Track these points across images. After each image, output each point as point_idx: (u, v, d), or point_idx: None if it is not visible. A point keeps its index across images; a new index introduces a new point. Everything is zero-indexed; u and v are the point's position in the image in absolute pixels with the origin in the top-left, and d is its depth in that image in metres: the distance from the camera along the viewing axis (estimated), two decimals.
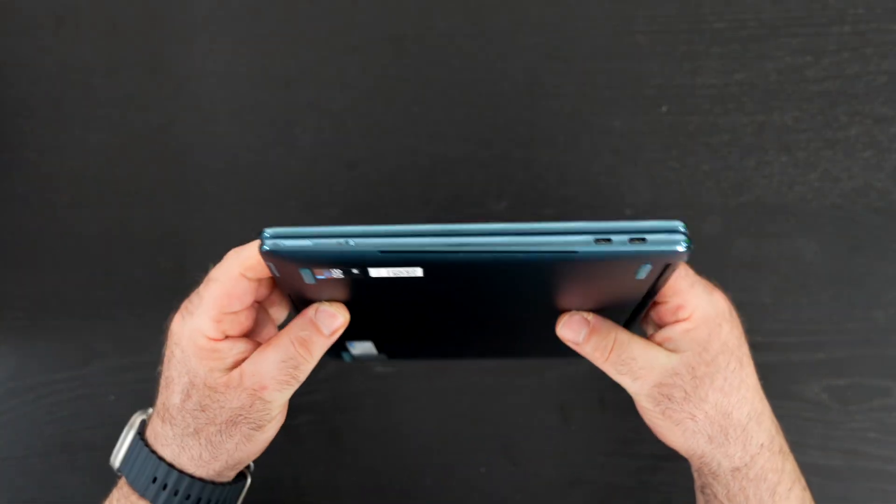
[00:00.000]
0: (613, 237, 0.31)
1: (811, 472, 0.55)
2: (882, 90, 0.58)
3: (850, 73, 0.58)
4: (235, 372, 0.38)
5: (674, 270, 0.35)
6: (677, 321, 0.38)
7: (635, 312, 0.40)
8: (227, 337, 0.38)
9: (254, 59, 0.62)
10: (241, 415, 0.38)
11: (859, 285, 0.57)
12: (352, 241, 0.32)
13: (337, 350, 0.48)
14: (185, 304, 0.39)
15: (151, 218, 0.62)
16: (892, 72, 0.58)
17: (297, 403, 0.59)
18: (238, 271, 0.37)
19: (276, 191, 0.61)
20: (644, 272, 0.34)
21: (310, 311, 0.38)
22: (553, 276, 0.34)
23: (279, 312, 0.42)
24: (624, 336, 0.38)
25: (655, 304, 0.39)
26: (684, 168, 0.59)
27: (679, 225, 0.32)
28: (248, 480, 0.44)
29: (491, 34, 0.60)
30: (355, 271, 0.34)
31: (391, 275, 0.34)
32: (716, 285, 0.40)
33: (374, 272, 0.34)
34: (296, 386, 0.39)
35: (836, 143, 0.58)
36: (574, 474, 0.58)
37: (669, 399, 0.39)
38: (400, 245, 0.32)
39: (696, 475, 0.43)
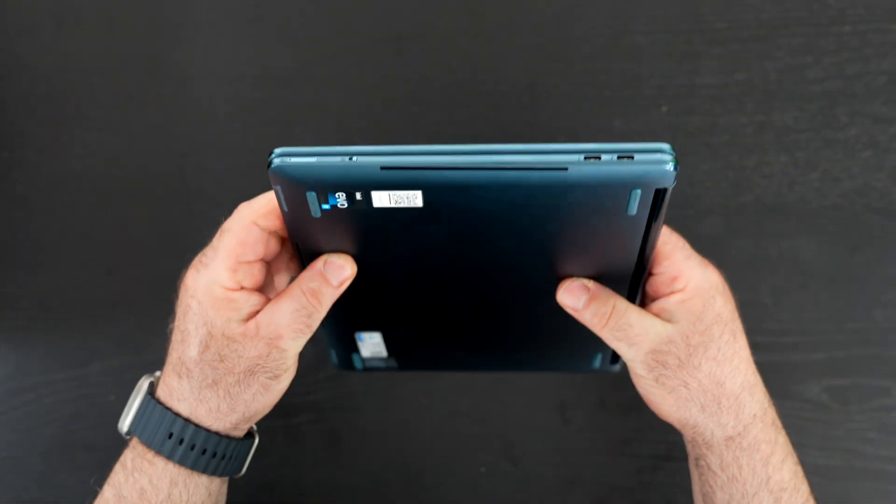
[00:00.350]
0: (603, 155, 0.32)
1: (811, 472, 0.55)
2: (882, 90, 0.58)
3: (850, 73, 0.58)
4: (251, 322, 0.39)
5: (663, 209, 0.35)
6: (672, 292, 0.40)
7: (633, 285, 0.40)
8: (241, 288, 0.39)
9: (254, 59, 0.62)
10: (258, 364, 0.39)
11: (859, 285, 0.57)
12: (354, 158, 0.34)
13: (347, 351, 0.48)
14: (199, 258, 0.40)
15: (151, 218, 0.62)
16: (892, 72, 0.58)
17: (297, 403, 0.60)
18: (250, 219, 0.38)
19: None
20: (634, 203, 0.34)
21: (318, 264, 0.39)
22: (548, 211, 0.35)
23: (282, 280, 0.43)
24: (622, 304, 0.40)
25: (651, 275, 0.40)
26: (684, 168, 0.59)
27: (665, 146, 0.33)
28: (257, 440, 0.44)
29: (491, 34, 0.60)
30: (359, 196, 0.35)
31: (393, 203, 0.35)
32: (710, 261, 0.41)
33: (377, 199, 0.35)
34: (309, 334, 0.40)
35: (836, 143, 0.58)
36: (574, 474, 0.58)
37: (664, 366, 0.39)
38: (399, 161, 0.33)
39: (689, 447, 0.44)
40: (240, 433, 0.42)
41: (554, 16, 0.60)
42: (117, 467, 0.41)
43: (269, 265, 0.42)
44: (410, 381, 0.60)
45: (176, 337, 0.41)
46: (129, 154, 0.63)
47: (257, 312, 0.40)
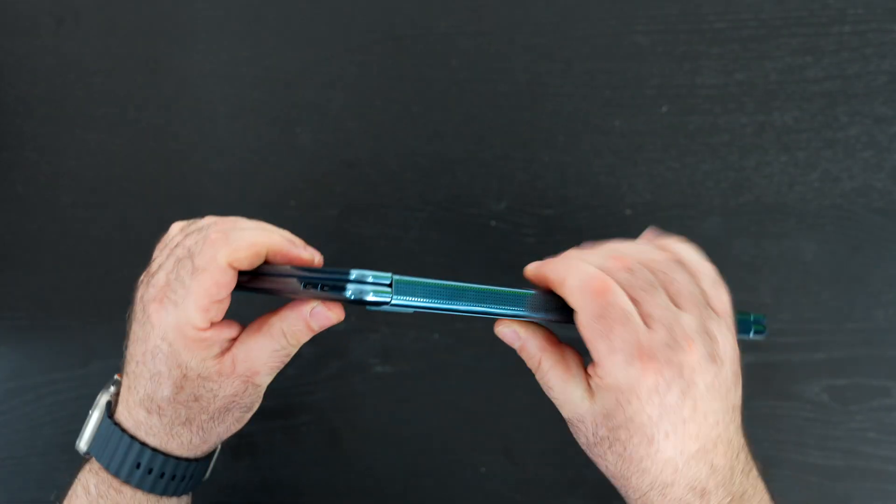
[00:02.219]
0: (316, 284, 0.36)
1: (811, 473, 0.55)
2: (882, 90, 0.58)
3: (850, 73, 0.58)
4: (227, 359, 0.38)
5: (430, 309, 0.36)
6: (594, 375, 0.37)
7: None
8: (212, 325, 0.38)
9: (254, 59, 0.62)
10: (234, 401, 0.39)
11: (859, 285, 0.57)
12: None
13: None
14: (165, 293, 0.38)
15: (151, 218, 0.62)
16: (892, 72, 0.58)
17: (297, 403, 0.60)
18: (226, 261, 0.37)
19: (276, 191, 0.61)
20: (390, 308, 0.36)
21: (305, 309, 0.38)
22: None
23: None
24: (547, 363, 0.38)
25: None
26: (684, 168, 0.59)
27: (353, 273, 0.35)
28: (218, 449, 0.44)
29: (491, 34, 0.60)
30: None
31: None
32: None
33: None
34: (280, 367, 0.40)
35: (836, 143, 0.58)
36: (574, 474, 0.58)
37: (576, 435, 0.39)
38: None
39: None
40: (206, 454, 0.42)
41: (554, 16, 0.60)
42: (79, 490, 0.41)
43: None
44: (410, 381, 0.60)
45: (142, 372, 0.39)
46: (129, 154, 0.62)
47: (231, 343, 0.39)
